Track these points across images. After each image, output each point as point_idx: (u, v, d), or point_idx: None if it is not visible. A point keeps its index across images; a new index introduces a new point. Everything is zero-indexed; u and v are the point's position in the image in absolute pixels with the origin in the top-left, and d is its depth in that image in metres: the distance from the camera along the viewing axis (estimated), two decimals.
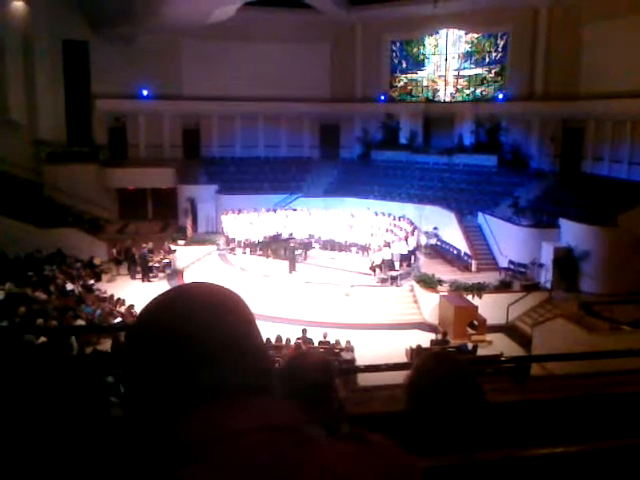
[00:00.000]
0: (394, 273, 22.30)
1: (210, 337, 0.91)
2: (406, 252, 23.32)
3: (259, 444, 0.83)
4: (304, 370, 2.00)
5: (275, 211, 28.62)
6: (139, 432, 0.90)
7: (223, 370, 0.90)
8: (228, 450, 0.83)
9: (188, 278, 23.96)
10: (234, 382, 0.91)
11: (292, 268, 23.03)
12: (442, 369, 1.69)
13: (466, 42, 33.80)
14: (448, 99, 34.70)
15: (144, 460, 0.85)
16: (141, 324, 0.95)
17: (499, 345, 17.65)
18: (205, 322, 0.92)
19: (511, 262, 23.50)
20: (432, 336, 18.66)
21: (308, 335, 16.89)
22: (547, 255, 22.29)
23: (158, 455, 0.85)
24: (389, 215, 27.40)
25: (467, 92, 34.20)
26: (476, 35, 33.31)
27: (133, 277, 24.57)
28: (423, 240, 26.78)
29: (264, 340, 1.02)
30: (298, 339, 16.63)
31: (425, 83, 35.26)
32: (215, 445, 0.83)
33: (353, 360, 15.33)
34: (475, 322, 19.08)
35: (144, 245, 25.04)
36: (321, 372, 2.03)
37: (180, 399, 0.89)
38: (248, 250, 25.82)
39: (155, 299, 0.98)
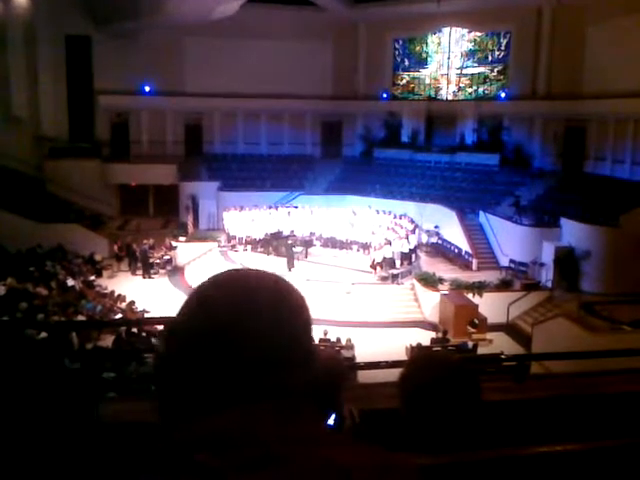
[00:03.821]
0: (395, 271, 22.30)
1: (276, 337, 0.84)
2: (407, 250, 23.31)
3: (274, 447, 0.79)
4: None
5: (277, 208, 28.60)
6: (169, 421, 0.84)
7: (282, 373, 0.84)
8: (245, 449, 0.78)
9: (189, 275, 23.96)
10: (289, 385, 0.85)
11: (291, 265, 23.03)
12: (427, 371, 1.70)
13: (469, 40, 33.74)
14: (450, 97, 34.63)
15: (163, 447, 0.80)
16: (198, 314, 0.87)
17: (499, 344, 17.62)
18: (271, 319, 0.85)
19: (512, 261, 23.49)
20: (432, 334, 18.69)
21: None
22: (548, 254, 22.27)
23: (181, 442, 0.79)
24: (390, 213, 27.38)
25: (470, 91, 34.15)
26: (479, 34, 33.25)
27: (134, 273, 24.60)
28: (424, 238, 26.77)
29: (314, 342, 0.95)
30: None
31: (428, 81, 35.19)
32: (238, 442, 0.78)
33: (353, 358, 15.35)
34: (475, 321, 19.08)
35: (145, 241, 25.06)
36: (331, 370, 2.00)
37: (227, 396, 0.82)
38: (249, 247, 25.83)
39: (218, 287, 0.91)
